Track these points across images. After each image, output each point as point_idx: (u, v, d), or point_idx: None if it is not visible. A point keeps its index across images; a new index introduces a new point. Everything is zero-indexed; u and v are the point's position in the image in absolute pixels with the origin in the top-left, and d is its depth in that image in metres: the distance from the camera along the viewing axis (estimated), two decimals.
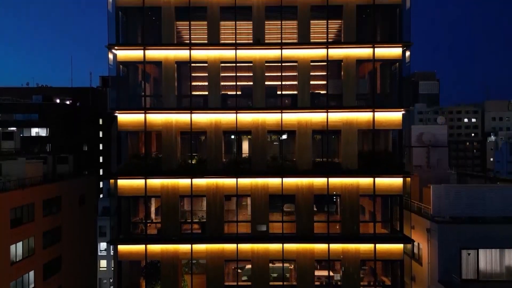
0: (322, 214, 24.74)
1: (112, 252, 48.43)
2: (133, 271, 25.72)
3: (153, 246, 24.00)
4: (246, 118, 24.23)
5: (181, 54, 24.31)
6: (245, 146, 26.48)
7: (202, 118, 24.26)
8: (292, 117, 24.21)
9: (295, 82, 24.57)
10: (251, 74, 24.30)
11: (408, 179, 24.45)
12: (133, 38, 25.35)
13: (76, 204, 40.29)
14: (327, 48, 23.97)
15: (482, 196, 24.84)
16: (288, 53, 24.15)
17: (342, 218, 24.13)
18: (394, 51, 24.06)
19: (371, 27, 24.68)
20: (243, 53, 24.16)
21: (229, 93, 24.92)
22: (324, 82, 24.84)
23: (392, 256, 24.03)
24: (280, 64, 24.02)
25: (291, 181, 24.03)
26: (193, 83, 24.68)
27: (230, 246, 23.99)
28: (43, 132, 63.09)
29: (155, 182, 24.06)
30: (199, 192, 24.17)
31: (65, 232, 37.59)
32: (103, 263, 59.44)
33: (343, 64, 24.09)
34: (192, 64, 24.30)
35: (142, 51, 23.98)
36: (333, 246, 23.87)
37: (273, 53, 24.18)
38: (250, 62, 24.24)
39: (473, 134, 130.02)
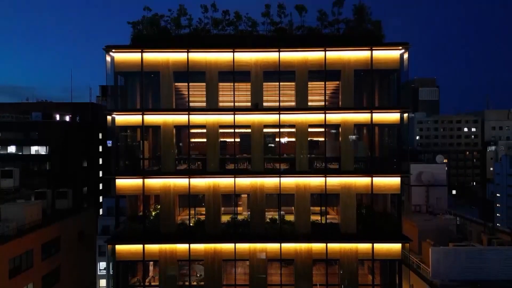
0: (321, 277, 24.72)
1: None
2: None
3: None
4: (245, 181, 24.26)
5: (180, 118, 24.31)
6: (244, 200, 26.51)
7: (200, 182, 24.27)
8: (290, 181, 24.22)
9: (293, 139, 24.57)
10: (250, 130, 24.35)
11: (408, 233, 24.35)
12: (132, 101, 25.27)
13: (75, 241, 40.24)
14: (325, 113, 23.95)
15: (483, 259, 24.81)
16: (286, 117, 24.15)
17: (341, 284, 24.07)
18: (392, 116, 24.02)
19: (368, 90, 24.59)
20: (241, 118, 24.18)
21: (227, 156, 24.91)
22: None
23: None
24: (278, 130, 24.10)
25: (289, 246, 24.05)
26: (192, 141, 24.64)
27: None
28: (42, 150, 63.16)
29: (153, 247, 24.10)
30: (197, 256, 24.20)
31: (64, 271, 37.53)
32: (102, 283, 59.43)
33: (341, 129, 24.05)
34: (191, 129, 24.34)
35: (141, 116, 24.02)
36: None
37: (272, 118, 24.18)
38: (249, 126, 24.25)
39: (473, 144, 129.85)
